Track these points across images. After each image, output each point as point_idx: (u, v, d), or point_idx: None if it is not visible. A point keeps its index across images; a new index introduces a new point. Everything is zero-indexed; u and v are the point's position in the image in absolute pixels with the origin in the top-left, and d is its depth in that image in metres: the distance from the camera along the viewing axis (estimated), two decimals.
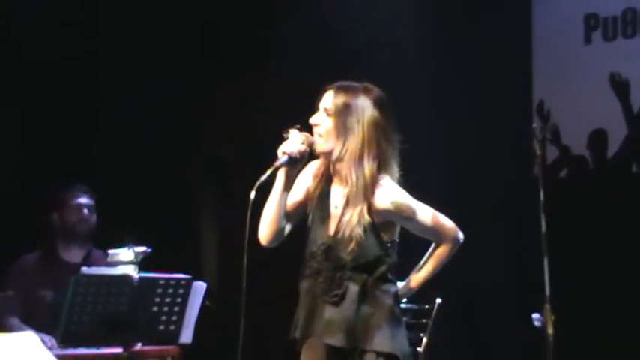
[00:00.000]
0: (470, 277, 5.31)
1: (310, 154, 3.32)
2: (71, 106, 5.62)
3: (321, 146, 3.28)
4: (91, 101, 5.67)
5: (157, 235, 4.12)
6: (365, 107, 3.25)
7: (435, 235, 3.35)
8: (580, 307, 5.00)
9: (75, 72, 5.65)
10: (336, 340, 3.24)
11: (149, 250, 3.80)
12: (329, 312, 3.24)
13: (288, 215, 3.33)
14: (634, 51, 5.31)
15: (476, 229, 5.30)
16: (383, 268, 3.27)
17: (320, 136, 3.28)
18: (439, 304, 4.12)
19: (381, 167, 3.27)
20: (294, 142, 3.26)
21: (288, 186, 3.30)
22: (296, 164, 3.28)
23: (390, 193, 3.25)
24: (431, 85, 5.46)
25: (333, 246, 3.25)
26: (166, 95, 5.72)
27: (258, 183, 3.21)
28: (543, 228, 3.49)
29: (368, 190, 3.22)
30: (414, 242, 3.38)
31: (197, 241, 5.93)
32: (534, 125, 3.71)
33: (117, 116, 5.73)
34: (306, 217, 3.37)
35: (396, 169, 3.31)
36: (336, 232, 3.26)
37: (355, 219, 3.20)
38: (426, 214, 3.30)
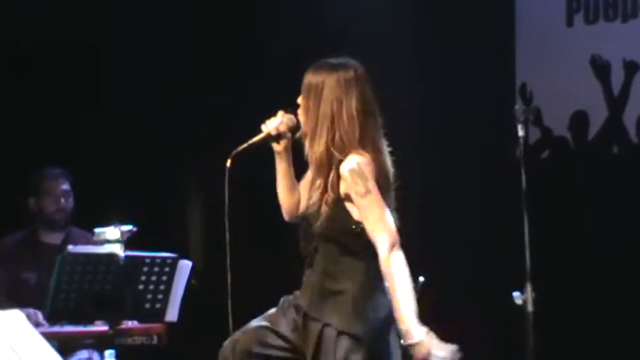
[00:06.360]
0: (453, 255, 5.37)
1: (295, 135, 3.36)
2: (58, 86, 5.61)
3: (302, 127, 3.30)
4: (78, 82, 5.65)
5: (143, 213, 4.14)
6: (325, 85, 3.22)
7: (373, 227, 3.16)
8: (561, 285, 5.05)
9: (62, 54, 5.65)
10: (303, 301, 3.27)
11: (135, 229, 3.81)
12: (306, 275, 3.31)
13: (299, 190, 3.39)
14: (615, 33, 5.36)
15: (459, 209, 5.41)
16: (353, 243, 3.22)
17: (299, 116, 3.32)
18: (422, 283, 4.02)
19: (348, 145, 3.19)
20: (275, 121, 3.32)
21: (281, 162, 3.35)
22: (277, 140, 3.32)
23: (349, 167, 3.16)
24: (415, 69, 5.47)
25: (304, 218, 3.30)
26: (154, 77, 5.71)
27: (233, 152, 3.31)
28: (525, 208, 3.49)
29: (323, 165, 3.19)
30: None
31: (183, 220, 5.94)
32: (517, 107, 3.72)
33: (104, 96, 5.73)
34: None
35: (376, 148, 3.23)
36: (306, 205, 3.30)
37: (316, 196, 3.20)
38: (375, 202, 3.16)
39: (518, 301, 3.46)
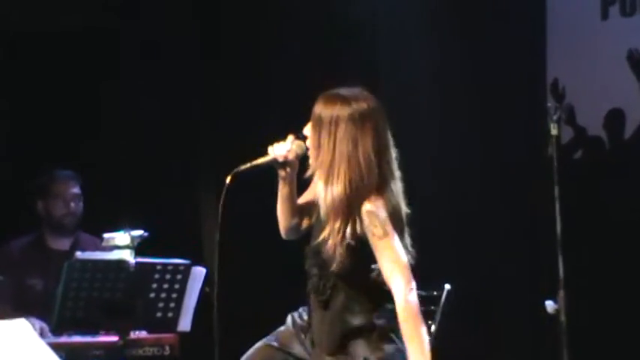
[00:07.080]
0: (480, 262, 5.39)
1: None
2: (67, 88, 5.68)
3: (312, 161, 3.28)
4: (87, 84, 5.74)
5: (154, 218, 4.22)
6: (339, 120, 3.18)
7: (389, 269, 3.19)
8: (595, 293, 5.05)
9: (69, 53, 5.72)
10: (319, 338, 3.29)
11: (146, 233, 3.85)
12: (318, 314, 3.30)
13: (300, 211, 3.40)
14: None
15: (487, 212, 5.46)
16: (370, 287, 3.23)
17: (309, 148, 3.30)
18: (448, 291, 4.13)
19: (364, 188, 3.18)
20: (283, 147, 3.31)
21: (284, 187, 3.36)
22: (283, 167, 3.31)
23: (367, 209, 3.17)
24: (440, 62, 5.49)
25: (318, 252, 3.27)
26: (165, 77, 5.77)
27: (234, 171, 3.33)
28: (557, 211, 3.51)
29: (341, 208, 3.18)
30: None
31: (197, 225, 5.99)
32: (549, 104, 3.73)
33: (114, 99, 5.80)
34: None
35: (390, 189, 3.23)
36: (322, 241, 3.27)
37: (334, 240, 3.18)
38: (392, 244, 3.19)
39: (551, 310, 3.50)
